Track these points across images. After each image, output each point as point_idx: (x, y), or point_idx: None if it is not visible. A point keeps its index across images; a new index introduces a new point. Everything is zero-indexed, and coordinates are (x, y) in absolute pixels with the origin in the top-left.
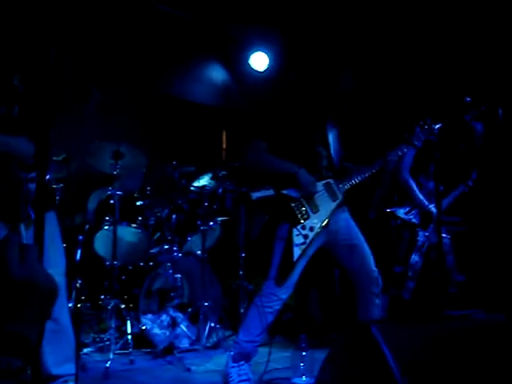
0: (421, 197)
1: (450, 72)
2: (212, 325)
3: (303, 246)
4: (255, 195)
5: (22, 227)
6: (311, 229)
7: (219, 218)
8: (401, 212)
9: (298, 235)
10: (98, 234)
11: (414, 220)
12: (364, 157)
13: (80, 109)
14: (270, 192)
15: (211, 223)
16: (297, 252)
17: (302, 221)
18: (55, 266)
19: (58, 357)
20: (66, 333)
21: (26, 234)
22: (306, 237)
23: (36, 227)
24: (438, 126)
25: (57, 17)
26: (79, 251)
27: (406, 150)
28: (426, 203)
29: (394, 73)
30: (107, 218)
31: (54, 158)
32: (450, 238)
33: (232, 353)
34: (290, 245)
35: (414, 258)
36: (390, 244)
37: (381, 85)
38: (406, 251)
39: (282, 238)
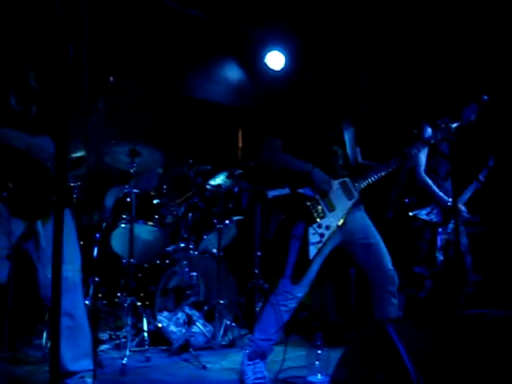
0: (440, 193)
1: (467, 70)
2: (228, 323)
3: (319, 245)
4: (271, 193)
5: (39, 224)
6: (327, 227)
7: (235, 217)
8: (422, 214)
9: (314, 234)
10: (115, 232)
11: (435, 219)
12: (380, 155)
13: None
14: (286, 190)
15: (227, 222)
16: (313, 251)
17: (318, 219)
18: (71, 262)
19: (74, 353)
20: (82, 329)
21: (43, 231)
22: (322, 235)
23: (55, 225)
24: (455, 125)
25: (75, 14)
26: (96, 249)
27: (421, 147)
28: (446, 198)
29: (410, 71)
30: (124, 216)
31: (71, 156)
32: (468, 238)
33: (247, 351)
34: (305, 243)
35: (439, 257)
36: (410, 244)
37: (396, 83)
38: (427, 251)
39: (297, 237)
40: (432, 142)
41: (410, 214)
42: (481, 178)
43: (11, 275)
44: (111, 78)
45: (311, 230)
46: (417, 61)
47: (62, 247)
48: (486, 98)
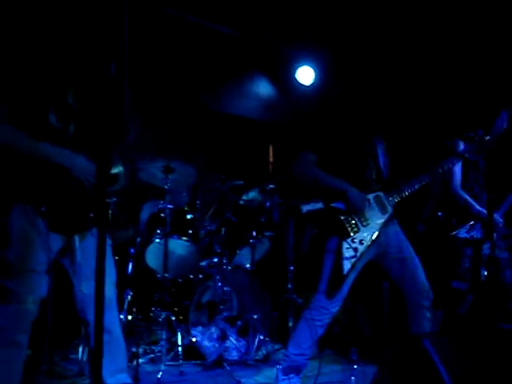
0: (478, 207)
1: (495, 79)
2: (261, 338)
3: (353, 260)
4: (305, 208)
5: (77, 239)
6: (361, 242)
7: (267, 232)
8: (462, 232)
9: (347, 248)
10: (150, 247)
11: (476, 235)
12: (412, 169)
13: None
14: (320, 205)
15: (260, 236)
16: (347, 265)
17: (352, 234)
18: (107, 274)
19: (111, 367)
20: (118, 343)
21: (80, 245)
22: (355, 250)
23: (99, 241)
24: (488, 138)
25: (114, 33)
26: (131, 264)
27: (455, 162)
28: (484, 212)
29: (441, 84)
30: (158, 231)
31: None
32: (507, 253)
33: (282, 366)
34: (339, 258)
35: (483, 273)
36: (447, 258)
37: (428, 97)
38: (469, 267)
39: (331, 251)
40: (466, 155)
41: (450, 234)
42: None
43: (50, 290)
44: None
45: (345, 245)
46: (446, 73)
47: (104, 265)
48: None
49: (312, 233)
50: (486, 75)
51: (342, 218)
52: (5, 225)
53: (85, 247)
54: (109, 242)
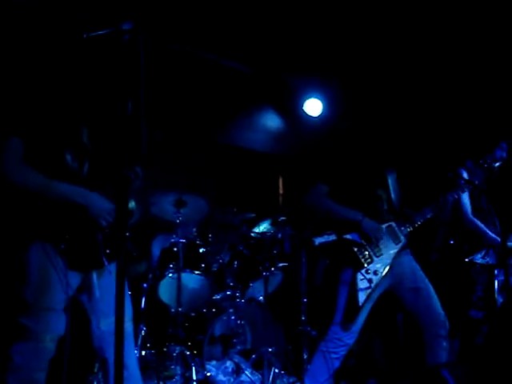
0: (491, 235)
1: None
2: (276, 371)
3: (368, 291)
4: (318, 241)
5: (95, 276)
6: (375, 273)
7: (280, 264)
8: (478, 258)
9: (362, 279)
10: (162, 282)
11: (491, 261)
12: (423, 198)
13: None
14: (333, 237)
15: (272, 269)
16: (362, 297)
17: (366, 265)
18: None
19: None
20: (134, 379)
21: (99, 283)
22: (370, 281)
23: (117, 278)
24: (497, 165)
25: (131, 73)
26: (144, 299)
27: (461, 191)
28: (498, 239)
29: (447, 115)
30: (171, 266)
31: None
32: None
33: None
34: (354, 289)
35: (499, 299)
36: (462, 287)
37: (437, 127)
38: (484, 294)
39: (346, 283)
40: (476, 182)
41: (466, 260)
42: None
43: (68, 328)
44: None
45: (359, 276)
46: (450, 103)
47: (124, 301)
48: None
49: (325, 265)
50: (488, 106)
51: (355, 249)
52: (23, 262)
53: (102, 284)
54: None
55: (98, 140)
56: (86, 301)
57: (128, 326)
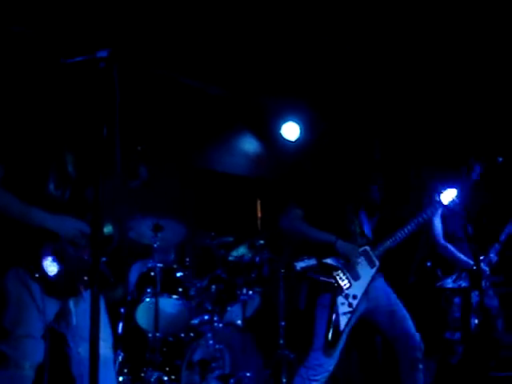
0: (463, 258)
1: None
2: None
3: (349, 315)
4: (299, 265)
5: (71, 303)
6: (354, 297)
7: (258, 288)
8: (448, 282)
9: (343, 304)
10: (140, 307)
11: (463, 284)
12: (398, 220)
13: (126, 183)
14: (313, 261)
15: (250, 292)
16: (344, 320)
17: (345, 289)
18: (103, 339)
19: None
20: None
21: (76, 310)
22: (350, 305)
23: (92, 304)
24: (476, 178)
25: (107, 98)
26: (121, 324)
27: (435, 210)
28: (471, 262)
29: (424, 136)
30: (148, 290)
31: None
32: (498, 300)
33: None
34: (335, 314)
35: (474, 321)
36: (437, 309)
37: (411, 148)
38: (459, 316)
39: (324, 306)
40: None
41: (436, 285)
42: (502, 238)
43: (47, 355)
44: (139, 148)
45: (340, 300)
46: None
47: (99, 326)
48: (500, 159)
49: (303, 288)
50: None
51: (335, 273)
52: (1, 289)
53: (79, 310)
54: (103, 303)
55: (80, 166)
56: (64, 327)
57: (108, 352)
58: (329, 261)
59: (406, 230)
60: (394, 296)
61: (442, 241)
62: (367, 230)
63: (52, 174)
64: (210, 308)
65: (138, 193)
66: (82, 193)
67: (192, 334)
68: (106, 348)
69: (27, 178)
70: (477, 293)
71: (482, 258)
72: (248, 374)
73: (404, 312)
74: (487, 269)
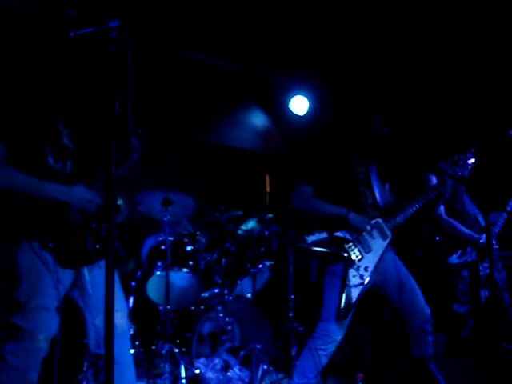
0: (467, 231)
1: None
2: (264, 367)
3: (361, 287)
4: (310, 239)
5: (86, 271)
6: (366, 269)
7: (267, 261)
8: (454, 258)
9: (354, 276)
10: (151, 280)
11: (470, 259)
12: (407, 193)
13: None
14: (324, 235)
15: (260, 266)
16: (356, 293)
17: (357, 261)
18: (119, 310)
19: None
20: (128, 377)
21: (90, 279)
22: (362, 277)
23: (107, 274)
24: (472, 161)
25: (117, 71)
26: (132, 297)
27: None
28: (476, 235)
29: (429, 107)
30: (159, 264)
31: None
32: (505, 273)
33: None
34: (347, 286)
35: (483, 293)
36: (446, 282)
37: (417, 120)
38: (465, 289)
39: (337, 276)
40: (457, 177)
41: (443, 262)
42: (508, 208)
43: (60, 327)
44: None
45: (351, 272)
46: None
47: (113, 296)
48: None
49: (319, 263)
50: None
51: (347, 246)
52: (13, 263)
53: (94, 280)
54: (117, 274)
55: (82, 139)
56: (79, 298)
57: (124, 323)
58: (340, 234)
59: (417, 205)
60: (404, 269)
61: (444, 216)
62: (380, 199)
63: (48, 147)
64: (219, 281)
65: (145, 167)
66: (84, 164)
67: (202, 307)
68: (121, 318)
69: (26, 154)
70: (485, 265)
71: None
72: (258, 346)
73: (414, 285)
74: (493, 242)
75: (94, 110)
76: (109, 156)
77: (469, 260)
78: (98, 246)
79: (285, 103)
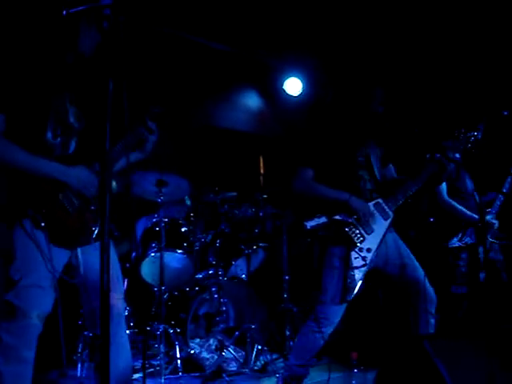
0: (468, 213)
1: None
2: (259, 348)
3: (363, 269)
4: (309, 224)
5: (79, 252)
6: (368, 250)
7: (262, 242)
8: (455, 241)
9: (356, 258)
10: (145, 261)
11: (470, 241)
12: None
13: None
14: (323, 219)
15: (254, 247)
16: (359, 275)
17: (359, 243)
18: (115, 290)
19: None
20: (123, 357)
21: (83, 259)
22: (364, 259)
23: (101, 255)
24: (475, 135)
25: (112, 52)
26: (126, 279)
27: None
28: (476, 216)
29: (429, 86)
30: (153, 245)
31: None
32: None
33: (283, 375)
34: (350, 269)
35: (482, 275)
36: (446, 264)
37: (417, 100)
38: (465, 271)
39: (339, 257)
40: (456, 157)
41: (443, 244)
42: (504, 189)
43: (60, 307)
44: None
45: (353, 255)
46: (437, 74)
47: (109, 276)
48: (505, 113)
49: (320, 248)
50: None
51: (347, 229)
52: (9, 241)
53: (88, 260)
54: (115, 255)
55: (91, 120)
56: (75, 278)
57: (120, 304)
58: (339, 217)
59: (420, 183)
60: (406, 249)
61: (446, 196)
62: (380, 180)
63: (51, 123)
64: (214, 262)
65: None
66: (89, 146)
67: (197, 288)
68: (118, 299)
69: (25, 125)
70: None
71: (488, 210)
72: (252, 327)
73: (416, 265)
74: (496, 222)
75: (94, 90)
76: (104, 137)
77: (469, 243)
78: (94, 228)
79: (279, 84)
